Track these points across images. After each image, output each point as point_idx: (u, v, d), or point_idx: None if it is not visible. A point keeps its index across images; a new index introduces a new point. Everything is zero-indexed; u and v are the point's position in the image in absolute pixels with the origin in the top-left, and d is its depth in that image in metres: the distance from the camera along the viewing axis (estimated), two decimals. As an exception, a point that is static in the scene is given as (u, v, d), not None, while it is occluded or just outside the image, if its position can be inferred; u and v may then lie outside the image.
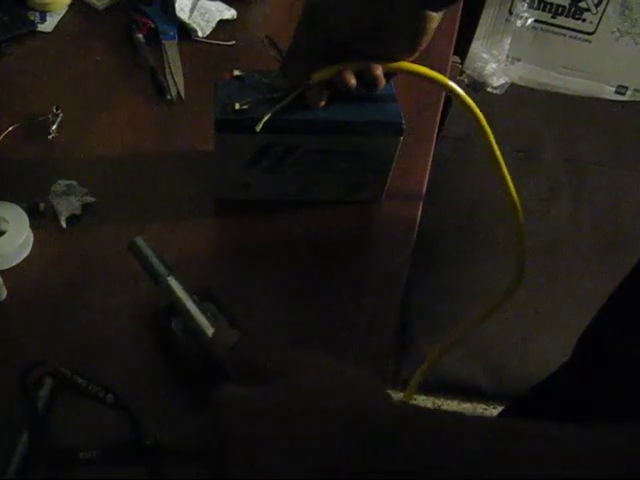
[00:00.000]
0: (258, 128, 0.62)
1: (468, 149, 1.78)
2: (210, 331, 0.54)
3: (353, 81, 0.61)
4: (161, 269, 0.56)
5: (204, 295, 0.58)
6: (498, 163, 0.67)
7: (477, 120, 0.65)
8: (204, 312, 0.55)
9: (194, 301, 0.56)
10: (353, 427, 0.38)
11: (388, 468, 0.36)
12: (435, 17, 0.58)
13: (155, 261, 0.57)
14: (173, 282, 0.56)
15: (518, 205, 0.69)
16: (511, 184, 0.68)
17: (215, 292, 0.60)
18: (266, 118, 0.62)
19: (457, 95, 0.64)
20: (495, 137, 0.67)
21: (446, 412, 0.39)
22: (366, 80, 0.61)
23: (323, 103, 0.64)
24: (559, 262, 1.75)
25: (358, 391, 0.41)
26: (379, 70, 0.60)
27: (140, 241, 0.58)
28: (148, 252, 0.57)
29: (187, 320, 0.55)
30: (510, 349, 1.55)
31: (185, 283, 0.57)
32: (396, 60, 0.62)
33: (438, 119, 0.84)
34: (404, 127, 0.66)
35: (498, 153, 0.67)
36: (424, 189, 0.76)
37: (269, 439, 0.40)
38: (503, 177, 0.68)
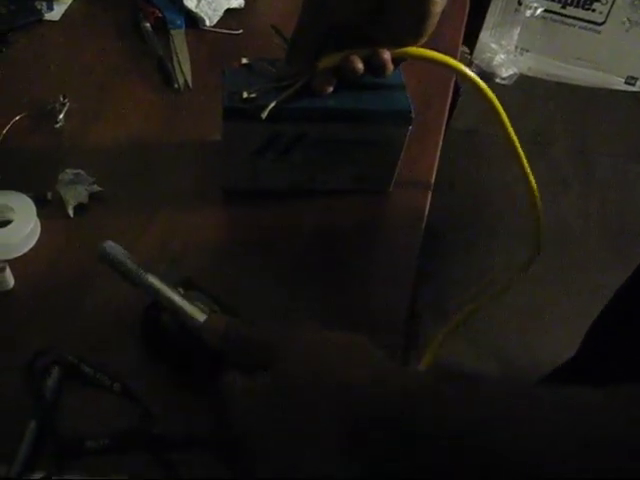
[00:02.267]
0: (264, 115, 0.61)
1: (477, 141, 1.77)
2: (202, 318, 0.52)
3: (360, 66, 0.60)
4: (138, 270, 0.54)
5: (188, 285, 0.57)
6: (512, 141, 0.67)
7: (489, 102, 0.65)
8: (192, 302, 0.54)
9: (179, 293, 0.54)
10: (354, 410, 0.39)
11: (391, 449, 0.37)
12: (439, 1, 0.57)
13: (130, 263, 0.54)
14: (153, 279, 0.54)
15: (532, 181, 0.68)
16: (526, 163, 0.68)
17: (197, 281, 0.58)
18: (272, 106, 0.62)
19: (467, 77, 0.64)
20: (504, 128, 0.67)
21: (448, 385, 0.39)
22: (374, 65, 0.61)
23: (331, 90, 0.63)
24: (568, 254, 1.74)
25: (352, 365, 0.42)
26: (387, 54, 0.60)
27: (110, 246, 0.55)
28: (121, 256, 0.55)
29: (176, 313, 0.53)
30: (518, 341, 1.55)
31: (165, 277, 0.55)
32: (403, 46, 0.61)
33: (447, 108, 0.84)
34: (413, 116, 0.65)
35: (511, 130, 0.66)
36: (433, 179, 0.76)
37: (284, 432, 0.41)
38: (517, 155, 0.67)
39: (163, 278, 0.55)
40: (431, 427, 0.37)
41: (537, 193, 0.69)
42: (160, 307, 0.55)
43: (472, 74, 0.64)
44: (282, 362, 0.44)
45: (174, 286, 0.55)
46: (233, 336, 0.48)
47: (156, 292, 0.54)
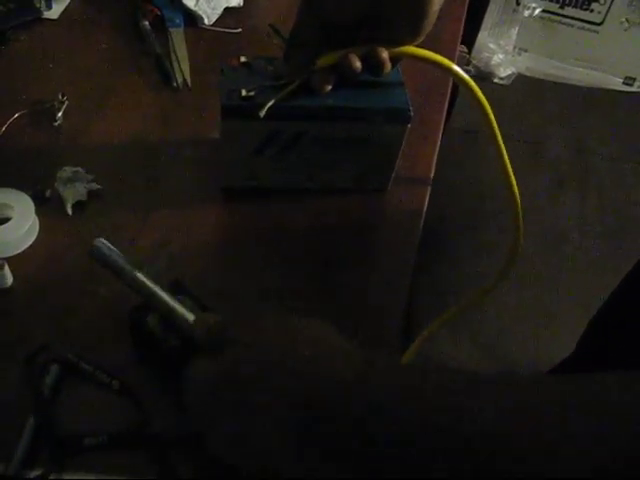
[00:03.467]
0: (262, 114, 0.62)
1: (475, 141, 1.77)
2: (191, 318, 0.52)
3: (358, 64, 0.60)
4: (129, 267, 0.54)
5: (175, 287, 0.57)
6: (497, 141, 0.67)
7: (479, 103, 0.65)
8: (181, 303, 0.54)
9: (170, 293, 0.54)
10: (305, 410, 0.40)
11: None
12: (436, 0, 0.57)
13: (121, 260, 0.54)
14: (144, 277, 0.54)
15: (514, 186, 0.69)
16: (507, 161, 0.68)
17: (185, 283, 0.58)
18: (270, 104, 0.62)
19: (461, 79, 0.64)
20: (502, 128, 0.67)
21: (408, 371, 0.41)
22: (372, 63, 0.61)
23: (329, 88, 0.63)
24: (565, 254, 1.75)
25: (318, 358, 0.43)
26: (385, 53, 0.60)
27: (101, 244, 0.54)
28: (112, 253, 0.54)
29: (165, 312, 0.53)
30: (515, 341, 1.55)
31: (155, 277, 0.55)
32: (400, 44, 0.61)
33: (445, 107, 0.84)
34: (411, 114, 0.66)
35: (497, 130, 0.66)
36: (431, 177, 0.76)
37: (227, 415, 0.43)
38: (502, 157, 0.68)
39: (155, 278, 0.55)
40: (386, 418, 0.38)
41: (518, 197, 0.70)
42: (146, 309, 0.55)
43: (465, 75, 0.64)
44: (233, 346, 0.45)
45: (162, 286, 0.54)
46: (216, 336, 0.49)
47: (145, 291, 0.54)
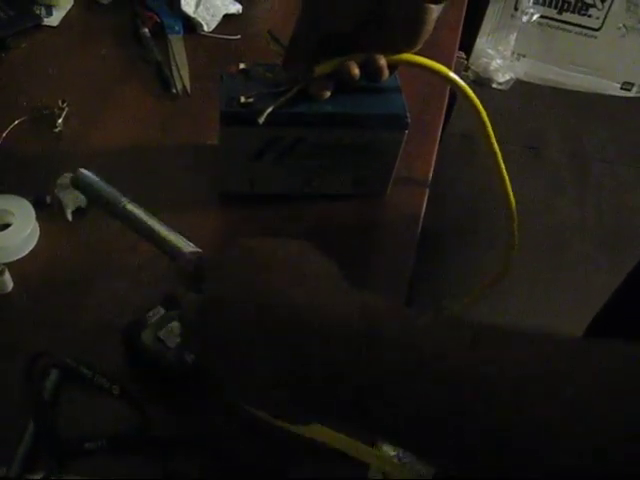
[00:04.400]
0: (261, 120, 0.62)
1: (473, 146, 1.78)
2: (187, 249, 0.51)
3: (357, 71, 0.61)
4: (116, 196, 0.52)
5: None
6: (493, 148, 0.68)
7: (476, 110, 0.65)
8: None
9: (161, 222, 0.52)
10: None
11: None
12: (434, 8, 0.58)
13: (107, 189, 0.52)
14: (132, 207, 0.52)
15: (510, 193, 0.69)
16: (503, 166, 0.69)
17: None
18: (269, 110, 0.62)
19: (458, 86, 0.64)
20: (500, 133, 0.67)
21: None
22: (369, 70, 0.61)
23: (328, 95, 0.64)
24: (564, 257, 1.75)
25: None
26: (382, 60, 0.61)
27: (85, 173, 0.53)
28: (96, 181, 0.52)
29: (158, 242, 0.51)
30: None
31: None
32: (398, 52, 0.62)
33: (443, 112, 0.85)
34: (409, 121, 0.66)
35: (492, 136, 0.67)
36: (429, 182, 0.76)
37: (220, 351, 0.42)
38: (496, 155, 0.68)
39: (143, 209, 0.53)
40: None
41: (513, 203, 0.70)
42: (139, 326, 0.55)
43: (461, 81, 0.64)
44: (215, 275, 0.44)
45: (152, 216, 0.52)
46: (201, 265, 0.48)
47: (134, 221, 0.52)
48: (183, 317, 0.47)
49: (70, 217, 0.68)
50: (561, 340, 0.37)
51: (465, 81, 0.65)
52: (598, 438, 0.30)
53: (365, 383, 0.36)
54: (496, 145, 0.67)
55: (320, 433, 0.52)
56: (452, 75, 0.64)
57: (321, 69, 0.62)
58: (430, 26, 0.59)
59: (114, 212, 0.52)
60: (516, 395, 0.32)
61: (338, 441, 0.53)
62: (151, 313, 0.56)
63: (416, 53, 0.63)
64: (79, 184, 0.53)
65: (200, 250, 0.52)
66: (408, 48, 0.61)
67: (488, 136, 0.67)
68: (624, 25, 2.13)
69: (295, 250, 0.45)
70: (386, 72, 0.62)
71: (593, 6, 2.14)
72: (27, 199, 0.67)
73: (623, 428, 0.30)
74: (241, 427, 0.54)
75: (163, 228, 0.52)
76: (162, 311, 0.56)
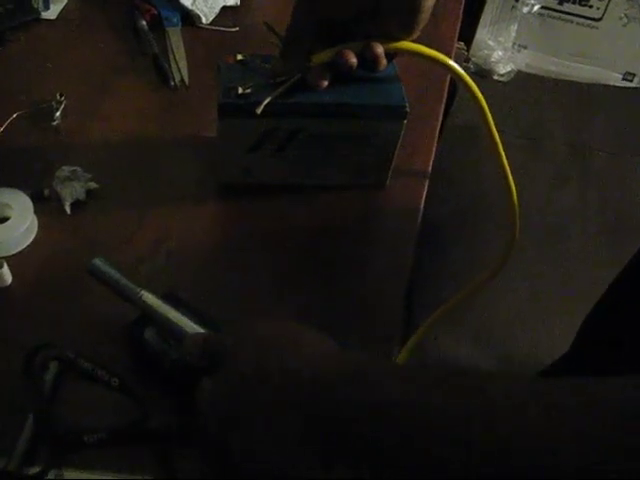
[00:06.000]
0: (259, 111, 0.62)
1: (475, 138, 1.77)
2: (192, 331, 0.53)
3: (354, 59, 0.60)
4: (132, 286, 0.55)
5: (172, 300, 0.57)
6: (493, 136, 0.67)
7: (475, 98, 0.65)
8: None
9: (173, 309, 0.55)
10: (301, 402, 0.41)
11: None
12: None
13: (123, 279, 0.55)
14: (147, 296, 0.55)
15: (510, 180, 0.69)
16: (503, 154, 0.68)
17: (179, 294, 0.58)
18: (267, 101, 0.62)
19: (457, 74, 0.64)
20: (502, 125, 0.67)
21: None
22: (367, 59, 0.61)
23: (325, 85, 0.63)
24: (565, 248, 1.75)
25: (297, 358, 0.43)
26: (380, 48, 0.60)
27: (100, 263, 0.56)
28: (113, 272, 0.56)
29: (172, 328, 0.54)
30: (516, 335, 1.55)
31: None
32: (395, 40, 0.61)
33: (443, 103, 0.84)
34: (407, 110, 0.66)
35: (491, 123, 0.67)
36: (429, 173, 0.76)
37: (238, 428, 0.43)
38: (496, 145, 0.68)
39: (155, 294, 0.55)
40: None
41: (515, 196, 0.70)
42: (143, 323, 0.55)
43: (460, 69, 0.64)
44: (233, 361, 0.45)
45: (165, 302, 0.55)
46: (209, 350, 0.49)
47: (150, 309, 0.54)
48: (200, 409, 0.48)
49: (68, 210, 0.68)
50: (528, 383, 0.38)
51: (466, 72, 0.65)
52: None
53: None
54: (496, 134, 0.67)
55: None
56: (450, 62, 0.63)
57: (318, 58, 0.61)
58: (427, 14, 0.59)
59: (130, 299, 0.55)
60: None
61: None
62: None
63: (414, 43, 0.62)
64: (94, 273, 0.56)
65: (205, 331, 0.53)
66: (405, 36, 0.61)
67: (488, 124, 0.67)
68: (625, 15, 2.12)
69: (294, 332, 0.47)
70: (384, 61, 0.61)
71: (594, -4, 2.13)
72: (25, 192, 0.67)
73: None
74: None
75: (176, 314, 0.54)
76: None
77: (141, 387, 0.56)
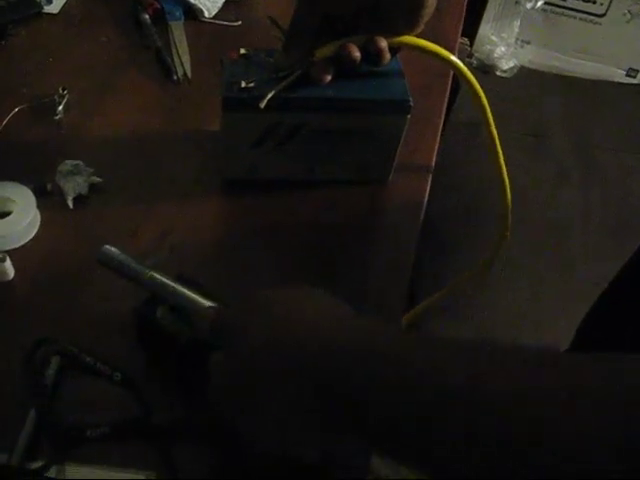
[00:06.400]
0: (262, 105, 0.62)
1: (477, 134, 1.76)
2: (207, 305, 0.53)
3: (357, 54, 0.60)
4: (140, 268, 0.55)
5: (181, 281, 0.56)
6: (492, 137, 0.68)
7: (475, 93, 0.65)
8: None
9: (184, 286, 0.54)
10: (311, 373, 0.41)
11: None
12: None
13: (132, 263, 0.55)
14: (157, 275, 0.54)
15: (505, 179, 0.69)
16: (502, 160, 0.69)
17: (187, 274, 0.58)
18: (270, 95, 0.62)
19: (458, 69, 0.64)
20: (504, 121, 0.67)
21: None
22: (370, 53, 0.61)
23: (329, 79, 0.63)
24: (567, 246, 1.74)
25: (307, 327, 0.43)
26: (383, 42, 0.60)
27: (109, 250, 0.56)
28: (122, 257, 0.55)
29: (184, 307, 0.54)
30: (519, 332, 1.55)
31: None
32: (398, 35, 0.61)
33: (446, 99, 0.84)
34: (411, 105, 0.65)
35: (490, 118, 0.67)
36: (431, 169, 0.76)
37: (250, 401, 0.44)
38: (495, 152, 0.68)
39: (164, 273, 0.55)
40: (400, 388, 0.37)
41: (509, 191, 0.71)
42: (152, 304, 0.55)
43: (461, 64, 0.64)
44: (243, 335, 0.45)
45: (175, 281, 0.55)
46: (219, 325, 0.49)
47: (160, 288, 0.54)
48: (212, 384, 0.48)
49: (71, 204, 0.68)
50: (557, 356, 0.37)
51: (468, 68, 0.64)
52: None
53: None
54: (495, 131, 0.67)
55: None
56: (452, 58, 0.63)
57: (322, 52, 0.61)
58: (431, 8, 0.58)
59: (139, 280, 0.55)
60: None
61: None
62: None
63: (416, 37, 0.62)
64: (104, 260, 0.56)
65: (217, 306, 0.53)
66: (409, 30, 0.61)
67: (487, 121, 0.67)
68: (629, 11, 2.12)
69: (306, 299, 0.47)
70: (387, 55, 0.61)
71: (597, -8, 2.12)
72: (28, 187, 0.67)
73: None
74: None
75: (188, 291, 0.54)
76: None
77: (143, 381, 0.56)
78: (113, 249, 0.56)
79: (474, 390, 0.35)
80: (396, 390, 0.37)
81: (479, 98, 0.65)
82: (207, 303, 0.53)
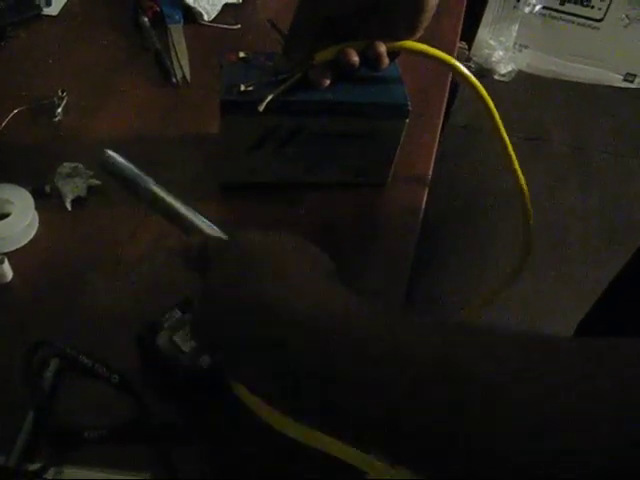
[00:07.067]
0: (261, 108, 0.62)
1: (474, 137, 1.77)
2: (208, 230, 0.51)
3: (356, 58, 0.60)
4: (144, 180, 0.52)
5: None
6: (503, 138, 0.67)
7: (481, 98, 0.65)
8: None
9: (184, 204, 0.52)
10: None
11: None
12: None
13: (133, 170, 0.52)
14: (158, 189, 0.52)
15: (522, 180, 0.68)
16: (516, 162, 0.68)
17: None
18: (269, 98, 0.62)
19: (460, 73, 0.64)
20: (503, 125, 0.67)
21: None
22: (369, 57, 0.61)
23: (327, 83, 0.63)
24: (566, 249, 1.75)
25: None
26: (382, 47, 0.60)
27: (113, 156, 0.52)
28: (125, 165, 0.52)
29: (181, 224, 0.52)
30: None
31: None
32: (398, 39, 0.61)
33: (445, 102, 0.84)
34: (410, 109, 0.66)
35: (501, 126, 0.66)
36: (430, 173, 0.76)
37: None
38: (507, 152, 0.68)
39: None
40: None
41: (528, 195, 0.69)
42: (154, 330, 0.54)
43: (465, 69, 0.64)
44: (219, 263, 0.44)
45: (176, 198, 0.52)
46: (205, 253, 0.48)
47: (160, 204, 0.52)
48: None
49: (69, 206, 0.68)
50: (579, 343, 0.35)
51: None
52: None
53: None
54: (505, 133, 0.67)
55: (317, 440, 0.51)
56: (454, 62, 0.63)
57: (321, 56, 0.61)
58: (430, 13, 0.59)
59: (136, 191, 0.52)
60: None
61: (335, 448, 0.52)
62: (167, 316, 0.55)
63: (416, 42, 0.62)
64: (106, 165, 0.53)
65: (220, 234, 0.51)
66: (408, 35, 0.61)
67: (496, 124, 0.66)
68: (627, 16, 2.12)
69: (291, 246, 0.47)
70: (386, 59, 0.61)
71: (595, -3, 2.13)
72: (26, 189, 0.67)
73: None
74: (242, 429, 0.53)
75: (185, 209, 0.52)
76: (178, 314, 0.55)
77: (141, 384, 0.56)
78: (117, 156, 0.53)
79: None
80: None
81: (485, 102, 0.65)
82: (207, 223, 0.51)
